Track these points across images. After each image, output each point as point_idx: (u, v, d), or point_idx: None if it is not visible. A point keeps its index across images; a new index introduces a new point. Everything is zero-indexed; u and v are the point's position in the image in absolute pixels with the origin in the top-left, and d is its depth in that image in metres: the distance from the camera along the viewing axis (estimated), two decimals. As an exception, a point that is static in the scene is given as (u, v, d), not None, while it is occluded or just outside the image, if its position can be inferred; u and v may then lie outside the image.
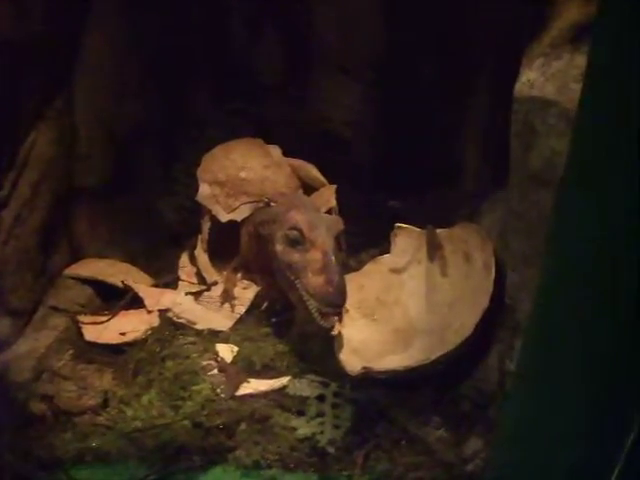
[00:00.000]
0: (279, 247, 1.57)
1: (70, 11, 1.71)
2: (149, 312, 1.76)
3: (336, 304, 1.48)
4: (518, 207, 1.37)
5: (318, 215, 1.62)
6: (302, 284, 1.50)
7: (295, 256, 1.53)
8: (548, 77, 1.23)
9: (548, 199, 1.26)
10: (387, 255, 1.79)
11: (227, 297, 1.81)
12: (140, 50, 1.91)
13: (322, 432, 1.43)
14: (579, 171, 1.01)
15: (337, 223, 1.59)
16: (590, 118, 0.97)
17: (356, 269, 1.79)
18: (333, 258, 1.49)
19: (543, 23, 1.31)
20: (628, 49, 0.87)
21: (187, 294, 1.82)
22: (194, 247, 1.92)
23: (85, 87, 1.81)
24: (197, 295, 1.83)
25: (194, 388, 1.53)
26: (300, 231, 1.53)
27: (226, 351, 1.65)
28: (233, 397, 1.52)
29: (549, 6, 1.29)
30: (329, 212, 1.78)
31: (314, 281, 1.48)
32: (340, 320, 1.59)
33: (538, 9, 1.32)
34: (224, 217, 1.82)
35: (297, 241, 1.54)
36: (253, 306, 1.80)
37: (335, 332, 1.58)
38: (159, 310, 1.77)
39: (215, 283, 1.86)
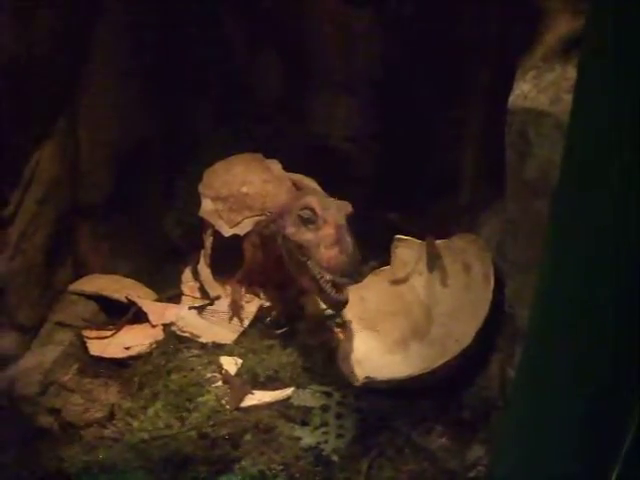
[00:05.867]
0: (290, 229, 1.60)
1: (73, 32, 1.75)
2: (153, 326, 1.78)
3: (351, 273, 1.49)
4: (515, 216, 1.40)
5: (328, 198, 1.66)
6: (315, 260, 1.52)
7: (307, 234, 1.56)
8: (541, 89, 1.26)
9: (544, 207, 1.28)
10: (387, 267, 1.81)
11: (236, 308, 1.83)
12: (142, 68, 1.95)
13: (326, 441, 1.45)
14: (572, 179, 1.04)
15: (346, 206, 1.61)
16: (581, 127, 1.00)
17: (357, 281, 1.81)
18: (346, 232, 1.52)
19: (535, 37, 1.34)
20: (614, 60, 0.90)
21: (190, 308, 1.85)
22: (197, 262, 1.95)
23: (88, 106, 1.83)
24: (200, 309, 1.85)
25: (199, 400, 1.55)
26: (313, 210, 1.57)
27: (230, 363, 1.67)
28: (238, 408, 1.53)
29: (540, 21, 1.33)
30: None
31: (328, 254, 1.50)
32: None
33: (529, 24, 1.36)
34: (227, 232, 1.85)
35: (310, 220, 1.56)
36: (256, 319, 1.82)
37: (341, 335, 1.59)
38: (163, 324, 1.79)
39: (218, 297, 1.88)
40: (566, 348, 1.07)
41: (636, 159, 0.92)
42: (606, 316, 1.00)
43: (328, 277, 1.50)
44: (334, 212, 1.56)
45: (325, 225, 1.54)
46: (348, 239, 1.50)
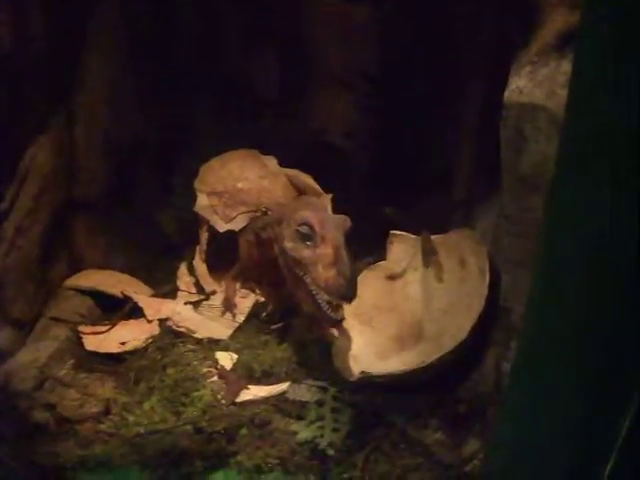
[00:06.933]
0: (288, 243, 1.58)
1: (70, 27, 1.75)
2: (149, 321, 1.78)
3: (348, 296, 1.48)
4: (510, 211, 1.40)
5: (327, 214, 1.64)
6: (312, 278, 1.51)
7: (305, 251, 1.54)
8: (536, 84, 1.27)
9: (539, 202, 1.29)
10: (383, 262, 1.81)
11: (228, 305, 1.83)
12: (139, 64, 1.95)
13: (322, 436, 1.44)
14: (568, 174, 1.04)
15: (345, 222, 1.60)
16: (577, 122, 1.00)
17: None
18: (344, 252, 1.51)
19: (530, 33, 1.35)
20: (609, 54, 0.90)
21: (186, 303, 1.85)
22: (192, 257, 1.95)
23: (85, 101, 1.84)
24: (196, 304, 1.85)
25: (195, 394, 1.55)
26: (311, 227, 1.55)
27: (226, 359, 1.67)
28: (234, 403, 1.54)
29: (535, 16, 1.34)
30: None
31: (325, 274, 1.48)
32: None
33: (525, 19, 1.36)
34: (222, 227, 1.85)
35: (308, 236, 1.54)
36: (252, 315, 1.82)
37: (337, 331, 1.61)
38: (159, 319, 1.79)
39: (214, 292, 1.88)
40: (561, 342, 1.07)
41: (631, 153, 0.93)
42: (601, 310, 1.01)
43: (325, 297, 1.49)
44: (332, 229, 1.54)
45: (323, 243, 1.52)
46: (346, 260, 1.49)
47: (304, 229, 1.55)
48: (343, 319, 1.53)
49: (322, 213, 1.62)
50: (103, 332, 1.74)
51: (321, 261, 1.50)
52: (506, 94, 1.32)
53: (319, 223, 1.55)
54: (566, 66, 1.22)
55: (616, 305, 1.00)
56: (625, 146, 0.94)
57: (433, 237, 1.74)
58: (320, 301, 1.50)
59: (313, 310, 1.54)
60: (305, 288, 1.54)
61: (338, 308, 1.50)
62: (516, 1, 1.44)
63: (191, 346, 1.71)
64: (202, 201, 1.90)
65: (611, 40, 0.92)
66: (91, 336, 1.72)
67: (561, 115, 1.03)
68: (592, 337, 1.03)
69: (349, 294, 1.47)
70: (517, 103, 1.29)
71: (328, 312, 1.49)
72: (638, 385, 0.98)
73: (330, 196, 1.88)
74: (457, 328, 1.56)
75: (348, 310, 1.71)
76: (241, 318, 1.81)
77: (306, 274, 1.53)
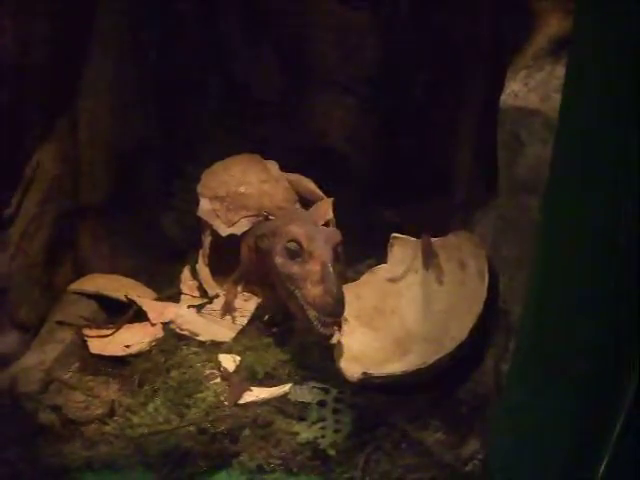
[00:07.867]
0: (279, 259, 1.60)
1: (74, 33, 1.77)
2: (153, 325, 1.80)
3: (335, 314, 1.51)
4: (507, 213, 1.42)
5: (316, 228, 1.66)
6: (302, 294, 1.54)
7: (294, 267, 1.57)
8: (531, 88, 1.29)
9: (535, 204, 1.31)
10: (384, 265, 1.83)
11: (228, 309, 1.85)
12: (141, 70, 1.97)
13: (323, 436, 1.46)
14: (562, 176, 1.06)
15: (335, 235, 1.63)
16: (570, 125, 1.02)
17: (354, 279, 1.83)
18: (331, 269, 1.52)
19: (525, 38, 1.37)
20: (601, 59, 0.92)
21: (189, 307, 1.87)
22: (196, 261, 1.97)
23: (88, 107, 1.86)
24: (199, 308, 1.87)
25: (198, 396, 1.57)
26: (299, 243, 1.57)
27: (229, 361, 1.69)
28: (236, 404, 1.55)
29: (530, 22, 1.36)
30: (326, 225, 1.82)
31: (313, 292, 1.52)
32: (339, 328, 1.62)
33: (520, 25, 1.38)
34: (224, 231, 1.87)
35: (296, 253, 1.57)
36: (254, 317, 1.84)
37: (334, 340, 1.62)
38: (162, 323, 1.81)
39: (217, 296, 1.90)
40: (558, 343, 1.09)
41: (625, 155, 0.95)
42: (596, 310, 1.03)
43: (314, 313, 1.52)
44: (321, 244, 1.56)
45: (311, 260, 1.55)
46: (333, 277, 1.51)
47: (292, 245, 1.57)
48: (332, 335, 1.55)
49: (311, 228, 1.63)
50: (107, 335, 1.76)
51: (310, 277, 1.53)
52: (502, 98, 1.34)
53: (307, 239, 1.57)
54: (560, 71, 1.24)
55: (612, 306, 1.01)
56: (619, 148, 0.96)
57: (433, 240, 1.75)
58: (310, 316, 1.52)
59: (305, 323, 1.56)
60: (296, 303, 1.56)
61: (328, 324, 1.52)
62: (512, 7, 1.46)
63: (194, 349, 1.73)
64: (205, 205, 1.91)
65: (603, 44, 0.94)
66: (96, 339, 1.75)
67: (555, 119, 1.05)
68: (589, 338, 1.04)
69: (336, 312, 1.50)
70: (512, 107, 1.31)
71: (318, 327, 1.51)
72: (631, 385, 1.00)
73: (331, 200, 1.90)
74: (457, 330, 1.58)
75: (350, 312, 1.73)
76: (243, 321, 1.83)
77: (296, 289, 1.55)
